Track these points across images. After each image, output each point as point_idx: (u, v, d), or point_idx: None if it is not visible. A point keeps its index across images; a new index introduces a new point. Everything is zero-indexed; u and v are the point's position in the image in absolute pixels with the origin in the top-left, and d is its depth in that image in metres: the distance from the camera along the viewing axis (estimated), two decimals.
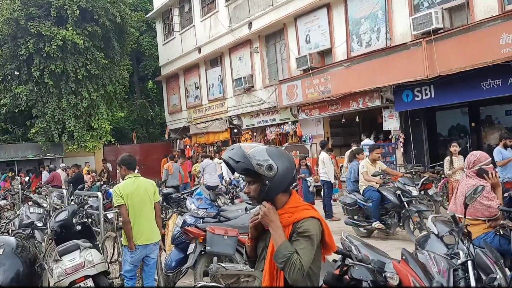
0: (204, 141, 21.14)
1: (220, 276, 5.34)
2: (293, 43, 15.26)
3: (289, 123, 15.94)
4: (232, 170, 2.23)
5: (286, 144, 16.28)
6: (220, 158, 15.86)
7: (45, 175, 17.38)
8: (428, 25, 10.08)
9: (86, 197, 10.07)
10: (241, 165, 2.14)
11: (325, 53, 14.17)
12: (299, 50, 14.93)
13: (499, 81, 9.25)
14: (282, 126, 16.37)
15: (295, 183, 2.70)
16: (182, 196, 9.76)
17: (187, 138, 22.53)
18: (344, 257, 2.77)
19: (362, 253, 2.93)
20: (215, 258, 5.47)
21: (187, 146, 22.36)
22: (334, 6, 13.46)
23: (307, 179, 10.75)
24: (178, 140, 23.56)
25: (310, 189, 10.86)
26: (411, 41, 10.79)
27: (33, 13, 17.92)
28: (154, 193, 5.08)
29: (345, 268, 2.77)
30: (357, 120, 13.51)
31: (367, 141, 12.72)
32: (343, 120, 13.40)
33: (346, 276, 2.76)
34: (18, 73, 18.93)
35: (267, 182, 2.13)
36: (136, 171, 5.30)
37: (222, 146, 19.79)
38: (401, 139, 11.94)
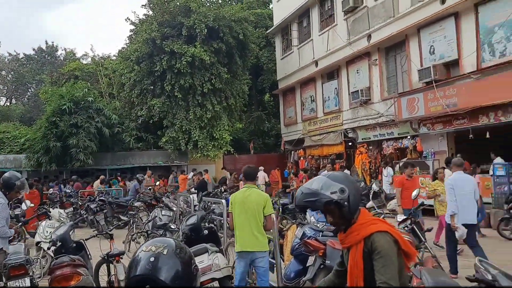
0: (318, 153, 21.23)
1: None
2: (415, 54, 14.64)
3: (408, 137, 15.26)
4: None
5: (404, 159, 15.59)
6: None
7: (171, 180, 19.06)
8: None
9: (209, 203, 10.81)
10: (320, 201, 2.29)
11: (451, 65, 13.33)
12: (421, 62, 14.27)
13: None
14: (400, 141, 15.74)
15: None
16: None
17: (301, 149, 22.83)
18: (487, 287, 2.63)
19: (506, 284, 2.74)
20: None
21: (301, 158, 22.63)
22: (463, 15, 12.63)
23: None
24: (292, 152, 23.99)
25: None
26: None
27: (167, 33, 19.86)
28: (264, 206, 5.27)
29: None
30: (487, 136, 12.42)
31: (498, 160, 11.65)
32: (471, 136, 12.43)
33: None
34: (152, 88, 21.06)
35: (345, 203, 2.29)
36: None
37: (336, 159, 19.69)
38: None
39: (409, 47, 14.94)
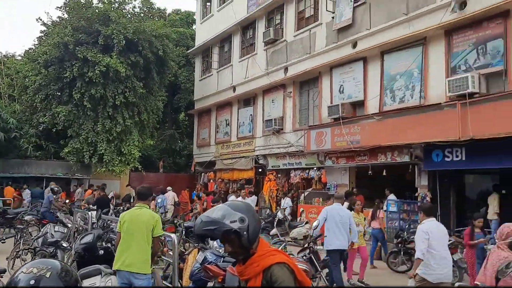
0: (228, 177, 21.31)
1: None
2: (326, 91, 15.51)
3: (315, 169, 15.95)
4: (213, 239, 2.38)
5: (309, 189, 16.25)
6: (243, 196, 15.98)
7: (79, 194, 17.80)
8: (463, 88, 10.15)
9: (109, 221, 10.22)
10: (220, 230, 2.25)
11: (357, 105, 14.32)
12: (331, 99, 15.15)
13: None
14: (307, 171, 16.38)
15: None
16: None
17: (212, 172, 22.76)
18: None
19: None
20: None
21: (211, 181, 22.55)
22: (371, 60, 13.72)
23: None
24: (202, 174, 23.82)
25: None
26: (445, 102, 10.84)
27: (82, 39, 18.91)
28: (154, 227, 5.16)
29: None
30: (383, 173, 13.42)
31: (391, 197, 12.59)
32: (370, 172, 13.35)
33: None
34: (59, 94, 19.77)
35: (245, 233, 2.27)
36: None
37: (245, 184, 19.92)
38: (428, 198, 11.75)
39: (322, 84, 15.81)
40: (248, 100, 20.55)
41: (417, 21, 12.03)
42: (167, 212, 17.76)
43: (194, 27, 28.94)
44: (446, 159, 11.00)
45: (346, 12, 14.40)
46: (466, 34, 10.99)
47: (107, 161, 19.47)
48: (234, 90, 20.93)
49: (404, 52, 12.66)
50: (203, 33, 23.97)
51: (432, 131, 10.83)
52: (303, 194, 16.16)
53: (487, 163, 10.21)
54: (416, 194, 12.27)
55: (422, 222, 5.77)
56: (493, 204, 11.14)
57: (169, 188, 19.28)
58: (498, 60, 10.19)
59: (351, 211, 8.78)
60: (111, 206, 15.49)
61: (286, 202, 15.89)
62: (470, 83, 10.05)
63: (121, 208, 15.05)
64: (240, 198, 15.41)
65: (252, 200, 16.20)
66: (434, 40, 11.75)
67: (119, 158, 19.95)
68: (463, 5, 10.86)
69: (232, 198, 16.96)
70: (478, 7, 10.43)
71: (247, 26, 20.49)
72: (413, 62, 12.28)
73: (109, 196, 17.74)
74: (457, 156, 10.76)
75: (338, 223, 7.64)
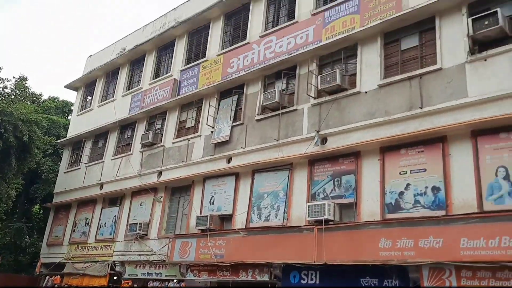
0: (77, 283, 19.03)
1: None
2: (197, 201, 15.54)
3: (175, 281, 15.17)
4: None
5: None
6: None
7: None
8: (321, 214, 11.01)
9: None
10: None
11: (226, 218, 14.48)
12: (201, 209, 15.16)
13: (375, 281, 9.96)
14: (166, 283, 15.48)
15: None
16: None
17: (58, 276, 20.19)
18: None
19: None
20: None
21: (56, 286, 19.90)
22: (243, 177, 14.35)
23: None
24: (47, 277, 20.98)
25: None
26: (304, 226, 11.56)
27: None
28: None
29: None
30: None
31: None
32: None
33: None
34: None
35: None
36: None
37: None
38: None
39: (194, 193, 15.86)
40: (115, 199, 19.53)
41: (286, 148, 13.20)
42: None
43: (70, 117, 27.82)
44: (302, 281, 11.37)
45: (224, 129, 15.28)
46: (325, 166, 12.29)
47: None
48: (101, 187, 19.86)
49: (273, 173, 13.55)
50: (78, 125, 23.10)
51: (291, 253, 11.29)
52: None
53: None
54: None
55: None
56: None
57: None
58: (350, 193, 11.45)
59: None
60: None
61: None
62: (327, 211, 10.97)
63: None
64: None
65: None
66: (299, 167, 12.87)
67: None
68: (324, 140, 12.33)
69: None
70: (335, 145, 11.95)
71: (126, 126, 20.33)
72: (280, 183, 13.16)
73: None
74: (312, 279, 11.20)
75: None
